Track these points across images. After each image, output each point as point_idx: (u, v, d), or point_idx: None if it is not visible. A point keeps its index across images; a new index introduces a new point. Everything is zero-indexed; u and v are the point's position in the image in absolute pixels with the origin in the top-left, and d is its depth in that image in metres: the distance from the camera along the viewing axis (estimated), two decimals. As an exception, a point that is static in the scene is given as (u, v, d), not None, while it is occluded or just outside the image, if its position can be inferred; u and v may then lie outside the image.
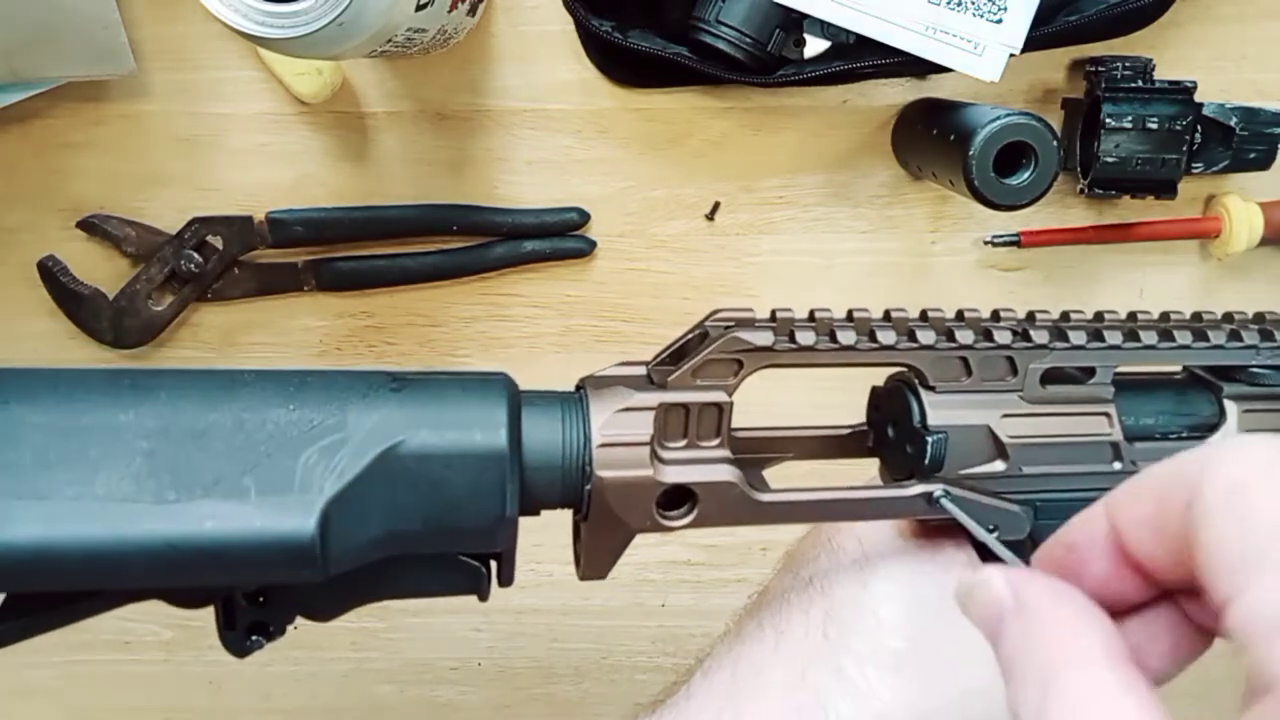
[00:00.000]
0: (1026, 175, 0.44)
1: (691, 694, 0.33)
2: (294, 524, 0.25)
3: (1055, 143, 0.44)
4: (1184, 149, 0.50)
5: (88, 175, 0.54)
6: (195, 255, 0.54)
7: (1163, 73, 0.51)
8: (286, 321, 0.56)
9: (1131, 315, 0.34)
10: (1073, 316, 0.34)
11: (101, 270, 0.55)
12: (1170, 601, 0.24)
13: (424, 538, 0.28)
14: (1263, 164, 0.52)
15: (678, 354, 0.31)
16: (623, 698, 0.61)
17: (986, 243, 0.55)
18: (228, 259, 0.54)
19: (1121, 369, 0.34)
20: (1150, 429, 0.35)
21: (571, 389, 0.31)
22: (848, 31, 0.48)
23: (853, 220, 0.55)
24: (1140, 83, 0.50)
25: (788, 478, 0.33)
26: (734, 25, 0.49)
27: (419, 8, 0.41)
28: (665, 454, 0.30)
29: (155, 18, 0.52)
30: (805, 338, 0.31)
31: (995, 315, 0.33)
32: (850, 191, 0.55)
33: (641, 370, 0.31)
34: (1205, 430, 0.35)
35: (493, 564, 0.30)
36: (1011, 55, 0.47)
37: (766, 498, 0.31)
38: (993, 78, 0.47)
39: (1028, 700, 0.21)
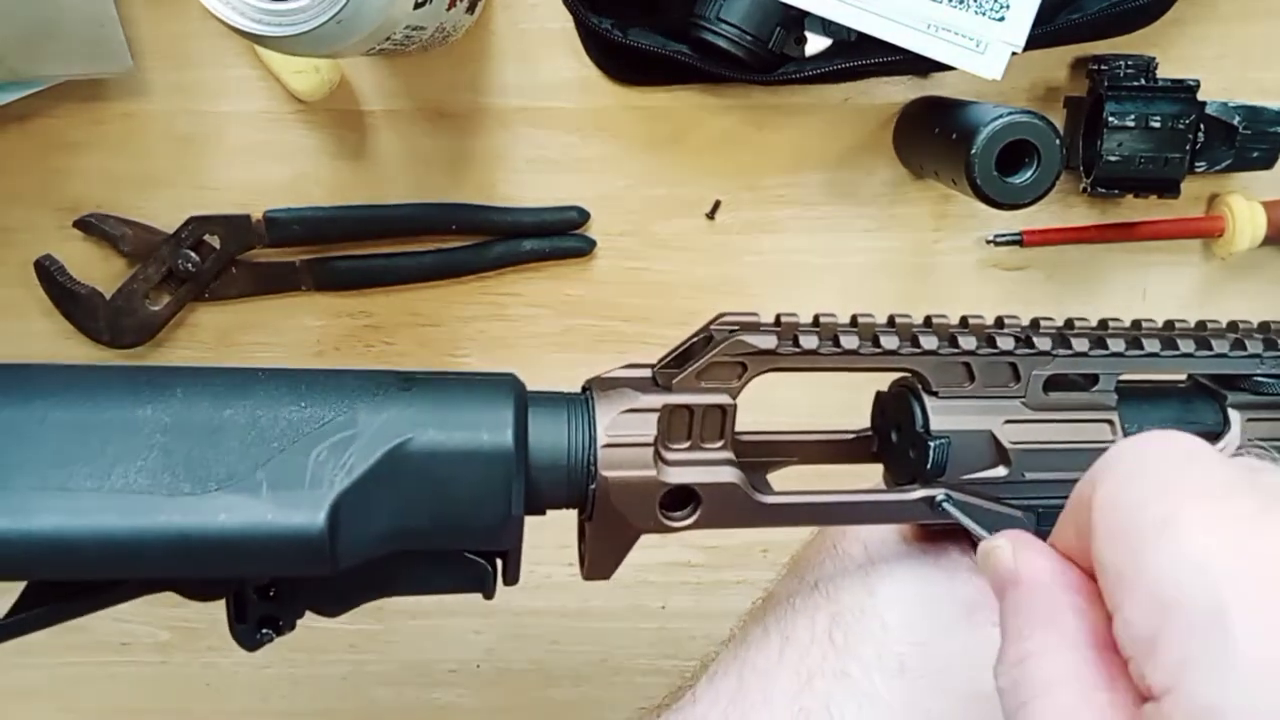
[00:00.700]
0: (1029, 174, 0.44)
1: (697, 699, 0.33)
2: (304, 518, 0.26)
3: (1058, 141, 0.44)
4: (1187, 148, 0.50)
5: (85, 174, 0.54)
6: (192, 254, 0.53)
7: (1165, 71, 0.51)
8: (284, 321, 0.56)
9: (1135, 324, 0.34)
10: (1076, 324, 0.34)
11: (98, 269, 0.55)
12: None
13: (431, 534, 0.29)
14: (1266, 163, 0.52)
15: (682, 357, 0.32)
16: (622, 700, 0.60)
17: (989, 242, 0.54)
18: (225, 258, 0.54)
19: (1125, 377, 0.34)
20: None
21: (578, 389, 0.32)
22: (849, 29, 0.48)
23: (854, 219, 0.55)
24: (1143, 81, 0.50)
25: (791, 482, 0.33)
26: (735, 23, 0.48)
27: (417, 5, 0.41)
28: (669, 455, 0.30)
29: (153, 16, 0.52)
30: (808, 342, 0.31)
31: (999, 322, 0.33)
32: (852, 190, 0.55)
33: (647, 372, 0.32)
34: (1208, 438, 0.35)
35: (499, 562, 0.30)
36: (1014, 53, 0.47)
37: (769, 499, 0.31)
38: (995, 76, 0.47)
39: (1005, 674, 0.23)
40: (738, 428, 0.32)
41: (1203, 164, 0.52)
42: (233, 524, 0.26)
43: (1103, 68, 0.50)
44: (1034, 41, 0.47)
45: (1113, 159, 0.50)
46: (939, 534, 0.34)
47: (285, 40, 0.37)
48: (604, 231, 0.55)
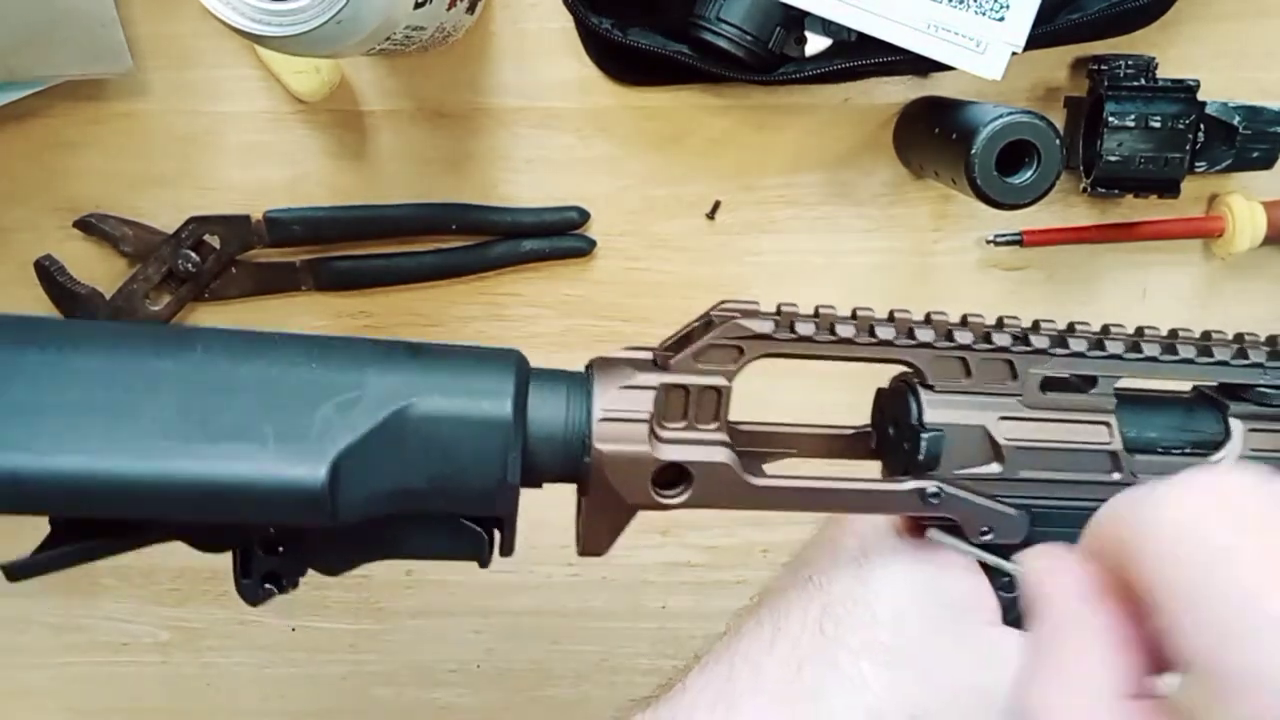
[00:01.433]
0: (1029, 174, 0.44)
1: (687, 688, 0.33)
2: (307, 470, 0.27)
3: (1058, 141, 0.44)
4: (1187, 148, 0.50)
5: (85, 174, 0.54)
6: (193, 254, 0.53)
7: (1165, 71, 0.51)
8: (284, 321, 0.56)
9: (1139, 330, 0.34)
10: (1078, 328, 0.34)
11: (99, 270, 0.55)
12: None
13: (429, 496, 0.29)
14: (1266, 163, 0.52)
15: (683, 341, 0.32)
16: (623, 700, 0.60)
17: (989, 242, 0.54)
18: (225, 258, 0.54)
19: (1125, 382, 0.34)
20: (1152, 442, 0.35)
21: (581, 369, 0.32)
22: (849, 29, 0.48)
23: (854, 219, 0.55)
24: (1143, 81, 0.50)
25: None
26: (735, 23, 0.48)
27: (417, 5, 0.41)
28: (664, 433, 0.31)
29: (153, 16, 0.52)
30: (805, 329, 0.32)
31: (999, 321, 0.33)
32: (852, 190, 0.55)
33: (648, 354, 0.32)
34: (1209, 448, 0.35)
35: (495, 533, 0.31)
36: (1014, 53, 0.47)
37: (760, 482, 0.31)
38: (995, 76, 0.47)
39: (1019, 705, 0.22)
40: (738, 418, 0.33)
41: (1203, 164, 0.52)
42: (240, 472, 0.27)
43: (1103, 68, 0.50)
44: (1034, 41, 0.47)
45: (1113, 159, 0.50)
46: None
47: (285, 40, 0.37)
48: (604, 231, 0.55)
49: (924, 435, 0.32)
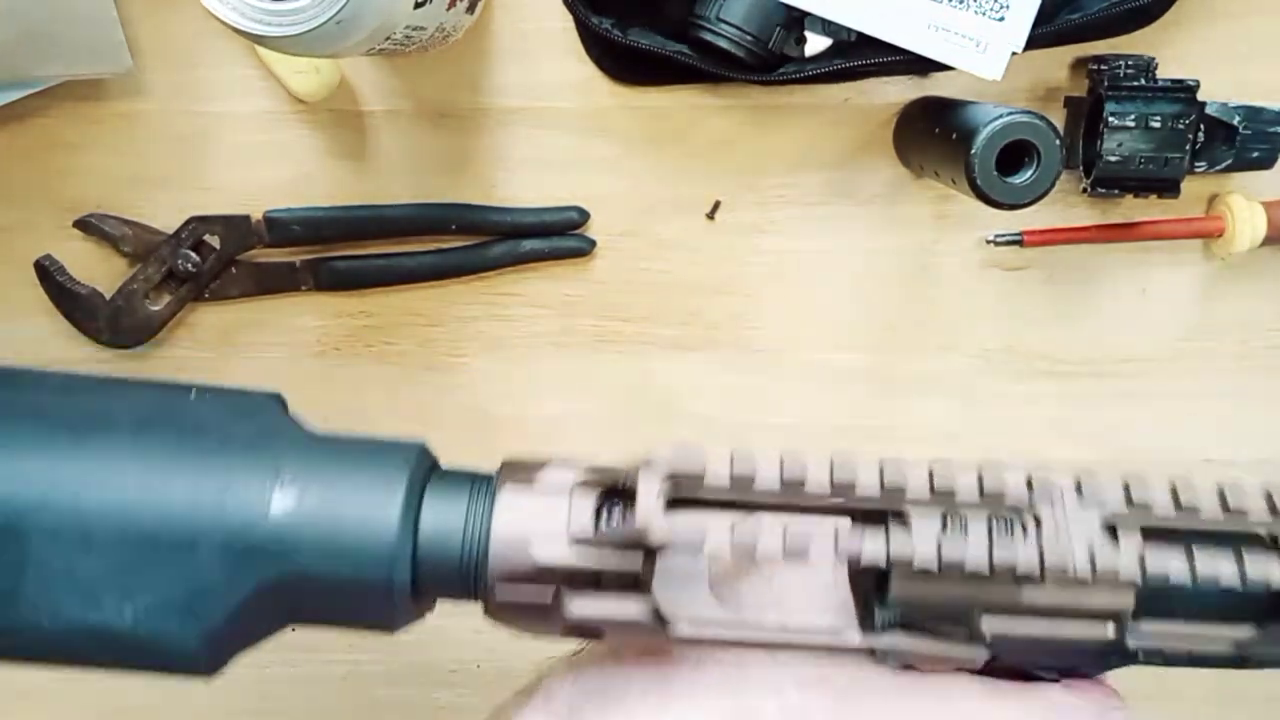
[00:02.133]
0: (1029, 174, 0.44)
1: None
2: (184, 646, 0.25)
3: (1058, 141, 0.44)
4: (1187, 148, 0.50)
5: (84, 174, 0.54)
6: (192, 254, 0.53)
7: (1165, 71, 0.51)
8: (284, 321, 0.56)
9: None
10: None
11: (98, 269, 0.55)
12: None
13: (321, 620, 0.27)
14: (1266, 163, 0.52)
15: (610, 490, 0.28)
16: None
17: (989, 242, 0.54)
18: (225, 258, 0.54)
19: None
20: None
21: (488, 480, 0.29)
22: (849, 29, 0.48)
23: (854, 219, 0.55)
24: (1143, 81, 0.50)
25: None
26: (735, 23, 0.48)
27: (417, 5, 0.41)
28: (570, 601, 0.27)
29: (152, 16, 0.52)
30: (758, 490, 0.27)
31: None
32: (852, 190, 0.55)
33: (568, 483, 0.28)
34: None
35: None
36: (1014, 53, 0.47)
37: (685, 631, 0.27)
38: (995, 76, 0.47)
39: None
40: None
41: (1203, 164, 0.52)
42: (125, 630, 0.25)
43: (1103, 68, 0.50)
44: (1034, 41, 0.47)
45: (1113, 159, 0.50)
46: None
47: (285, 40, 0.37)
48: (604, 231, 0.55)
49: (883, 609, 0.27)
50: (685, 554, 0.26)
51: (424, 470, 0.29)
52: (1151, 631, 0.28)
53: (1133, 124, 0.50)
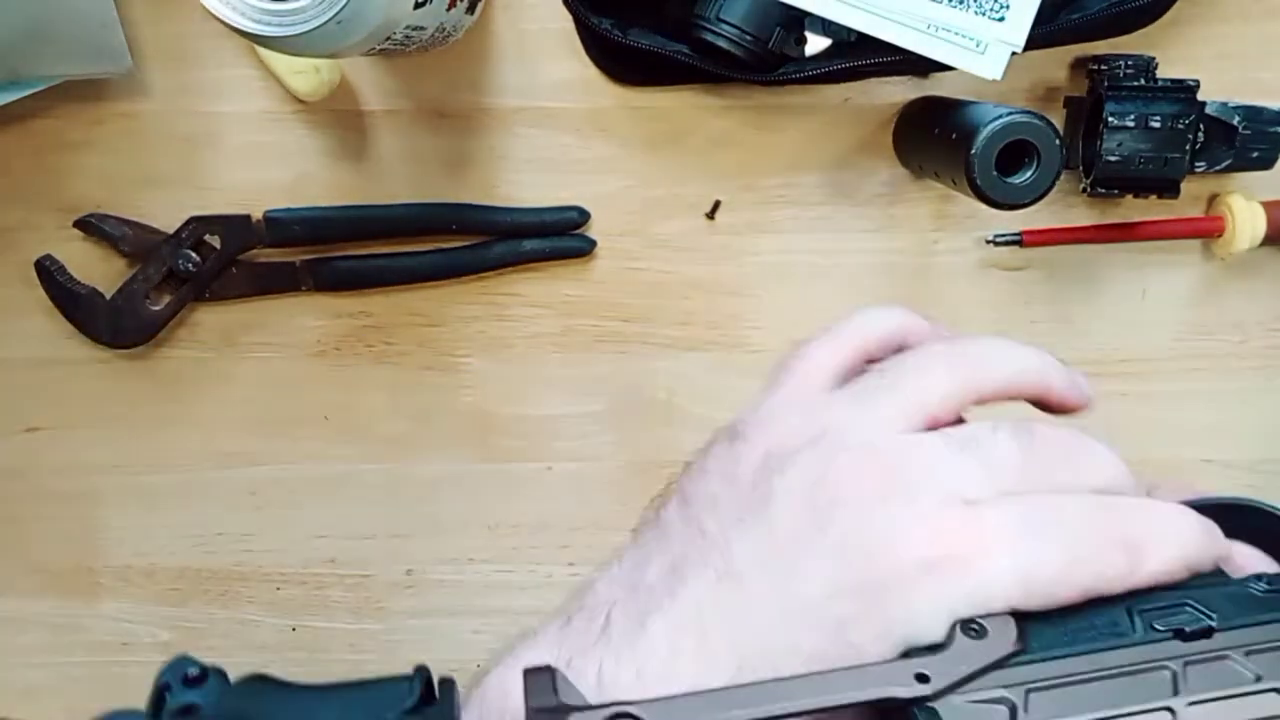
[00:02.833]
0: (1029, 174, 0.44)
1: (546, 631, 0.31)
2: None
3: (1058, 142, 0.44)
4: (1187, 148, 0.50)
5: (85, 174, 0.54)
6: (193, 254, 0.53)
7: (1165, 71, 0.51)
8: (284, 321, 0.56)
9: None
10: None
11: (99, 269, 0.55)
12: None
13: None
14: (1266, 163, 0.52)
15: None
16: (623, 699, 0.60)
17: (988, 242, 0.55)
18: (225, 258, 0.54)
19: None
20: None
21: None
22: (849, 29, 0.48)
23: (854, 219, 0.55)
24: (1143, 81, 0.50)
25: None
26: (735, 23, 0.48)
27: (417, 5, 0.41)
28: None
29: (153, 16, 0.52)
30: None
31: None
32: (851, 190, 0.55)
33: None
34: None
35: None
36: (1014, 53, 0.47)
37: None
38: (995, 76, 0.47)
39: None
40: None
41: (1202, 164, 0.52)
42: None
43: (1103, 68, 0.50)
44: (1034, 41, 0.47)
45: (1112, 159, 0.50)
46: None
47: (285, 40, 0.37)
48: (604, 232, 0.55)
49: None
50: None
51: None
52: None
53: (1132, 124, 0.50)
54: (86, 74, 0.51)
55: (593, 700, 0.26)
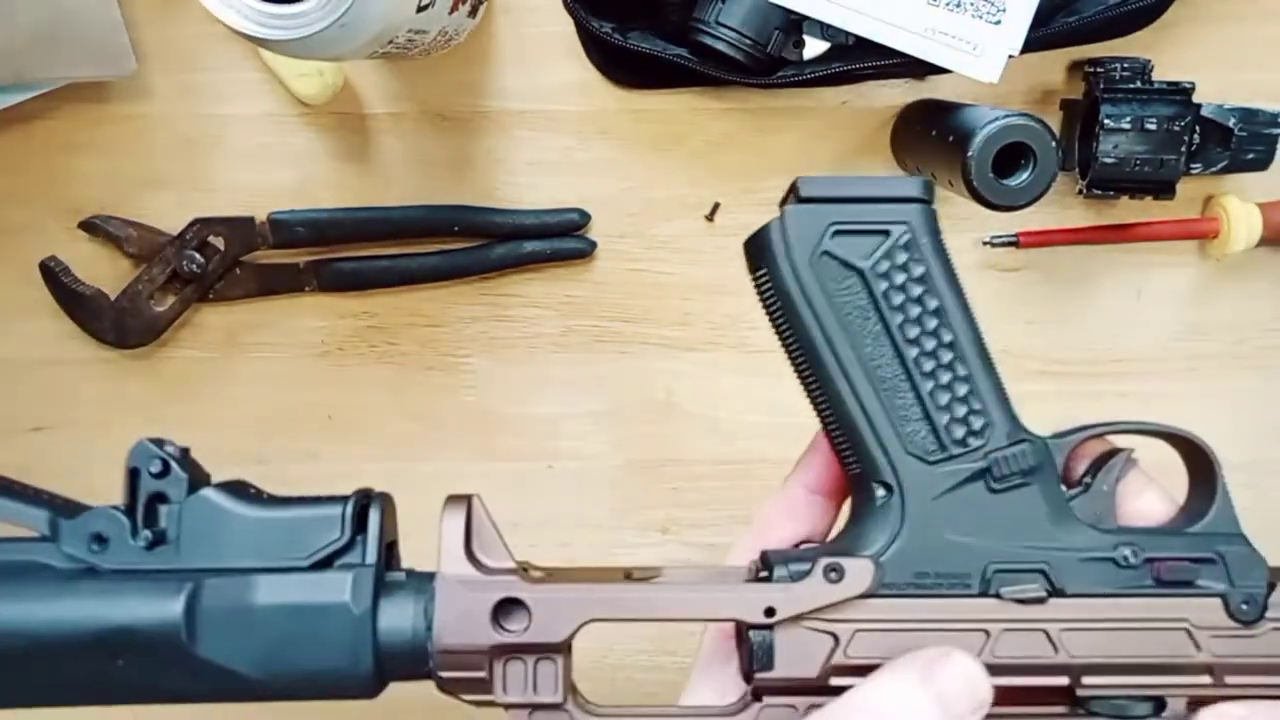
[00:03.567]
0: (1025, 176, 0.44)
1: None
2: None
3: (1054, 143, 0.44)
4: (1182, 149, 0.50)
5: (90, 176, 0.55)
6: (197, 256, 0.54)
7: (1161, 73, 0.51)
8: (288, 322, 0.57)
9: None
10: None
11: (103, 271, 0.55)
12: None
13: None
14: (1261, 164, 0.53)
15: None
16: (623, 697, 0.60)
17: (985, 243, 0.55)
18: (229, 259, 0.54)
19: None
20: None
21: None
22: (847, 33, 0.48)
23: (852, 221, 0.55)
24: (1138, 83, 0.50)
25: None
26: (733, 26, 0.49)
27: (420, 9, 0.41)
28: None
29: (157, 19, 0.52)
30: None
31: None
32: (850, 192, 0.55)
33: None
34: None
35: None
36: (1010, 56, 0.47)
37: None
38: (991, 79, 0.47)
39: None
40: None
41: (1198, 165, 0.52)
42: None
43: (1099, 70, 0.51)
44: (1030, 45, 0.47)
45: (1108, 161, 0.50)
46: None
47: (289, 44, 0.38)
48: (604, 233, 0.55)
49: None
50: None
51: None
52: None
53: (1128, 126, 0.50)
54: (91, 76, 0.52)
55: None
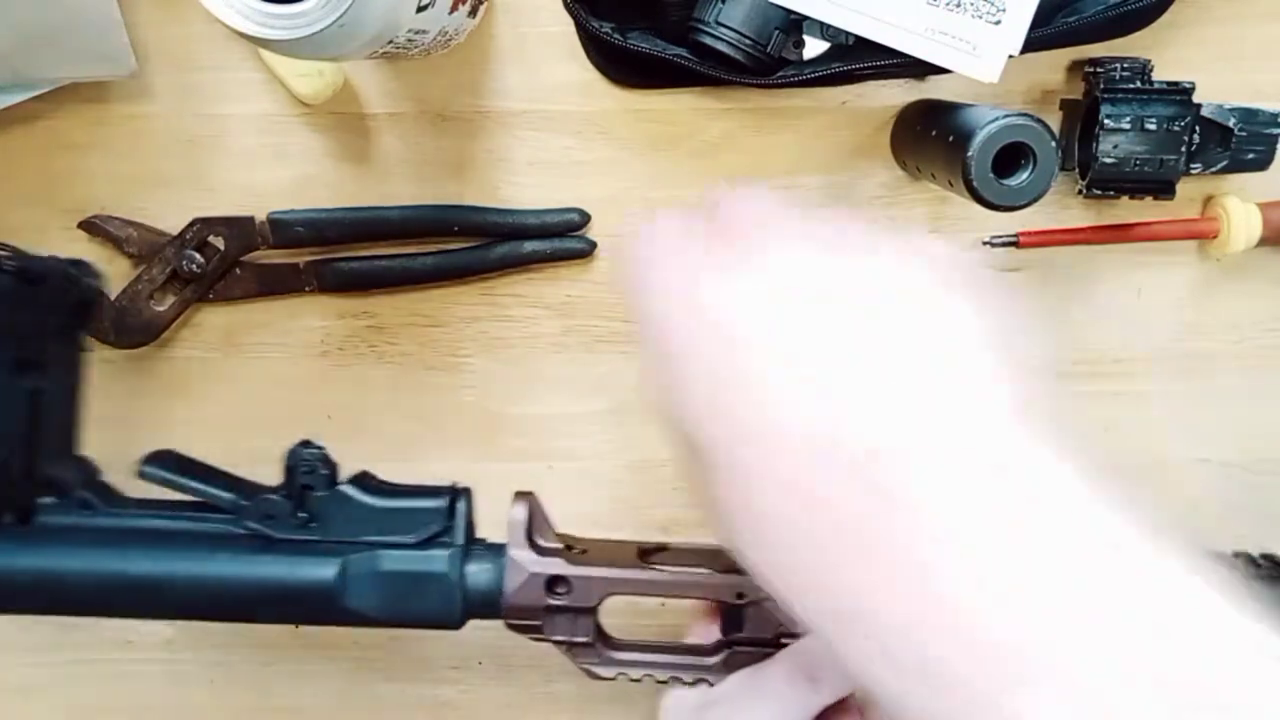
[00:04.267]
0: (1025, 176, 0.45)
1: None
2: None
3: (1054, 144, 0.44)
4: (1182, 150, 0.50)
5: (89, 176, 0.55)
6: (197, 256, 0.54)
7: (1161, 74, 0.51)
8: (288, 322, 0.57)
9: None
10: None
11: (103, 271, 0.55)
12: None
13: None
14: (1261, 165, 0.53)
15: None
16: (624, 695, 0.61)
17: (985, 243, 0.55)
18: (229, 259, 0.54)
19: None
20: None
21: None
22: (847, 33, 0.48)
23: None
24: (1138, 83, 0.50)
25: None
26: (733, 27, 0.49)
27: (420, 9, 0.41)
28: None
29: (157, 19, 0.52)
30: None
31: None
32: (849, 192, 0.55)
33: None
34: None
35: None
36: (1010, 56, 0.47)
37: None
38: (991, 79, 0.47)
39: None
40: None
41: (1198, 166, 0.52)
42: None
43: (1098, 70, 0.51)
44: (1030, 45, 0.47)
45: (1108, 161, 0.50)
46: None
47: (289, 44, 0.38)
48: (605, 233, 0.56)
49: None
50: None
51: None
52: None
53: (1128, 126, 0.50)
54: (91, 76, 0.52)
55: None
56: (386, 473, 0.47)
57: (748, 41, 0.49)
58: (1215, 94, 0.52)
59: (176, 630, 0.60)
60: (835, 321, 0.27)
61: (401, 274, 0.55)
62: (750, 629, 0.43)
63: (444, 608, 0.43)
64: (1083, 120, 0.52)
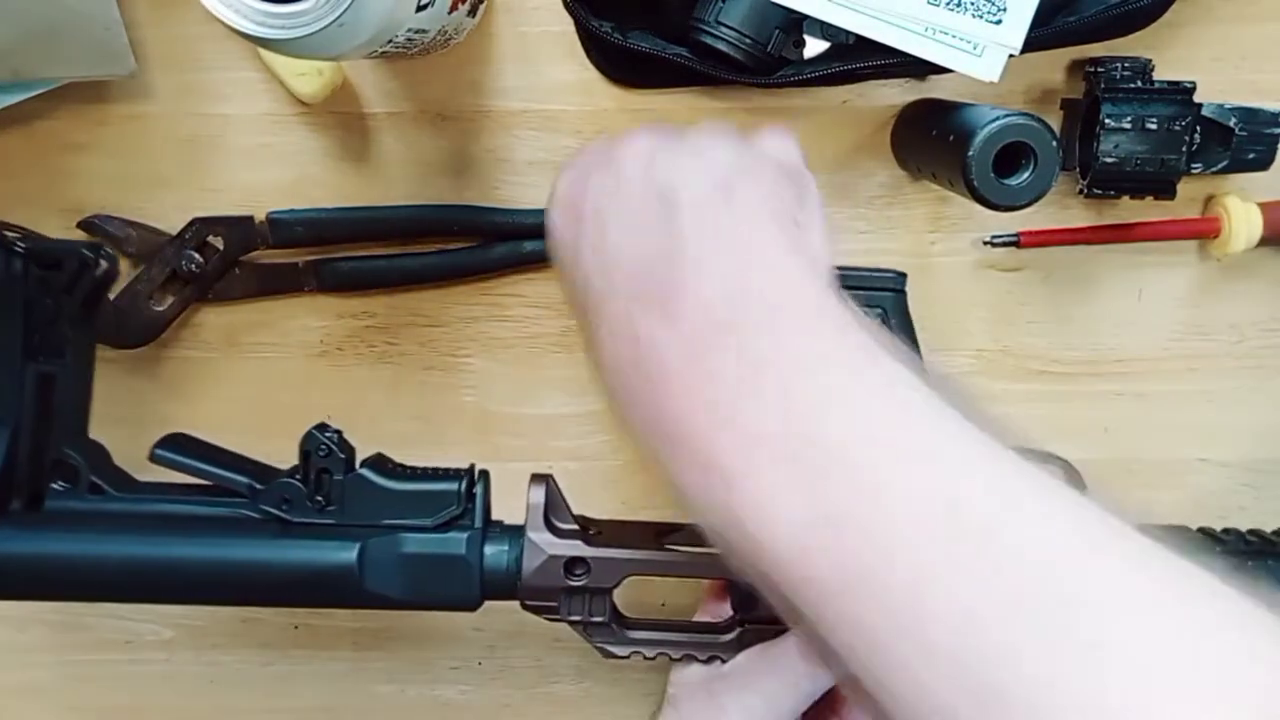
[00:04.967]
0: (1026, 176, 0.45)
1: None
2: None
3: (1054, 143, 0.44)
4: (1183, 149, 0.50)
5: (89, 176, 0.55)
6: (196, 255, 0.54)
7: (1162, 73, 0.51)
8: (287, 322, 0.57)
9: None
10: None
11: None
12: None
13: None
14: (1262, 164, 0.52)
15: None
16: (624, 696, 0.61)
17: (986, 243, 0.55)
18: (229, 259, 0.54)
19: None
20: None
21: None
22: (847, 32, 0.48)
23: (852, 220, 0.56)
24: (1139, 83, 0.50)
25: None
26: (733, 26, 0.49)
27: (420, 8, 0.41)
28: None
29: (156, 19, 0.52)
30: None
31: None
32: (849, 192, 0.55)
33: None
34: None
35: None
36: (1011, 56, 0.47)
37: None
38: (992, 78, 0.47)
39: None
40: None
41: (1199, 165, 0.52)
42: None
43: (1099, 70, 0.51)
44: (1031, 44, 0.47)
45: (1109, 160, 0.50)
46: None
47: (288, 43, 0.38)
48: (604, 233, 0.55)
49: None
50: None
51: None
52: None
53: (1129, 126, 0.50)
54: (90, 76, 0.52)
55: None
56: (386, 473, 0.48)
57: (748, 41, 0.49)
58: (1216, 94, 0.52)
59: (176, 630, 0.60)
60: (662, 202, 0.35)
61: (401, 274, 0.55)
62: (764, 607, 0.43)
63: (463, 590, 0.43)
64: (1083, 120, 0.52)
